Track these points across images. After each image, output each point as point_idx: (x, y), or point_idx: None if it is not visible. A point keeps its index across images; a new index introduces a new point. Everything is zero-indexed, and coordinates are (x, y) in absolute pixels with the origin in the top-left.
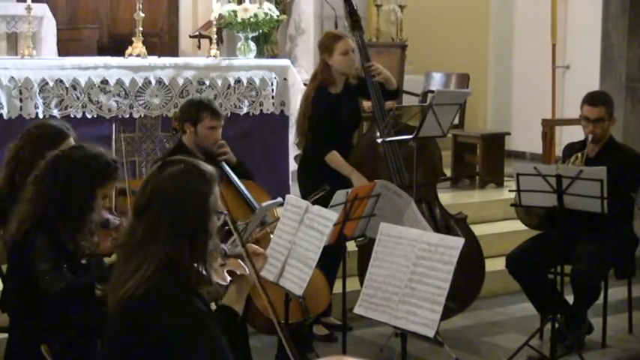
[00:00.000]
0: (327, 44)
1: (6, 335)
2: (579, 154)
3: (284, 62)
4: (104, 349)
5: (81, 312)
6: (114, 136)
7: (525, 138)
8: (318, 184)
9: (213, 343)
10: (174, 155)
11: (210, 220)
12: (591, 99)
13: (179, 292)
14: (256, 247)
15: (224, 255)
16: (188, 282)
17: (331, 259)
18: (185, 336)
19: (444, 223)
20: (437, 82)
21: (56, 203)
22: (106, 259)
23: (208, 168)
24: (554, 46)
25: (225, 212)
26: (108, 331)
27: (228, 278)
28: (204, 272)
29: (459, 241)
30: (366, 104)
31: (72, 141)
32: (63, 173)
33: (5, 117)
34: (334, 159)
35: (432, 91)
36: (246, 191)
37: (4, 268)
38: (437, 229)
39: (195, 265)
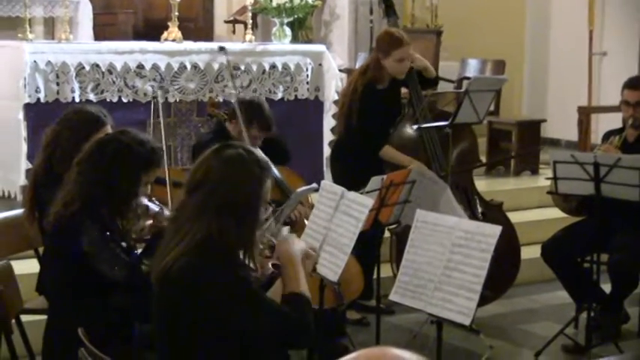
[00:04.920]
0: (385, 47)
1: (44, 317)
2: (618, 136)
3: (319, 48)
4: (153, 324)
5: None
6: (153, 120)
7: (561, 125)
8: (351, 171)
9: (261, 304)
10: (217, 138)
11: (259, 209)
12: (632, 83)
13: (220, 263)
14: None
15: (271, 248)
16: (230, 258)
17: (367, 246)
18: (231, 301)
19: (480, 210)
20: (472, 68)
21: (102, 186)
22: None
23: (263, 157)
24: (591, 32)
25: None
26: (154, 306)
27: (271, 268)
28: (247, 259)
29: (496, 229)
30: (403, 90)
31: (109, 128)
32: (109, 156)
33: (42, 100)
34: (390, 152)
35: (468, 78)
36: (281, 177)
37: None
38: (473, 216)
39: (239, 251)
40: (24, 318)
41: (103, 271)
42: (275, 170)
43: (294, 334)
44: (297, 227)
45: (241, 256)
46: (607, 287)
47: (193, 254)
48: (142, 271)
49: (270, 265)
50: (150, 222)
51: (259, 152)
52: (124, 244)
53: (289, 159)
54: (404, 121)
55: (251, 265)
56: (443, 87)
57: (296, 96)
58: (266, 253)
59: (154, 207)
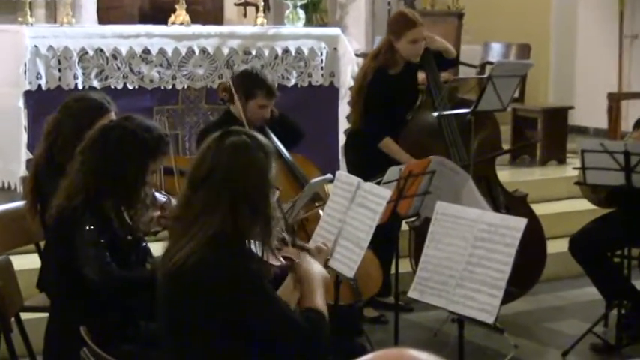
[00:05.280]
0: (397, 29)
1: (45, 315)
2: None
3: (334, 31)
4: (159, 323)
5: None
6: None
7: (589, 112)
8: (367, 161)
9: (273, 303)
10: (222, 124)
11: (271, 194)
12: None
13: (234, 257)
14: (320, 245)
15: (281, 240)
16: (244, 252)
17: (385, 240)
18: (243, 297)
19: (503, 202)
20: (496, 52)
21: (106, 175)
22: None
23: (266, 140)
24: (621, 13)
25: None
26: (160, 306)
27: (282, 261)
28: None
29: (521, 222)
30: (421, 76)
31: (113, 116)
32: (114, 143)
33: (44, 87)
34: (389, 146)
35: (491, 63)
36: (296, 167)
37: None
38: (495, 208)
39: (252, 241)
40: (24, 316)
41: (81, 270)
42: (290, 159)
43: (302, 344)
44: (312, 221)
45: (254, 248)
46: (638, 283)
47: (208, 250)
48: (116, 280)
49: (280, 258)
50: (157, 213)
51: (260, 136)
52: (129, 237)
53: (302, 134)
54: (422, 109)
55: (266, 257)
56: (465, 72)
57: (310, 82)
58: (276, 245)
59: (162, 197)
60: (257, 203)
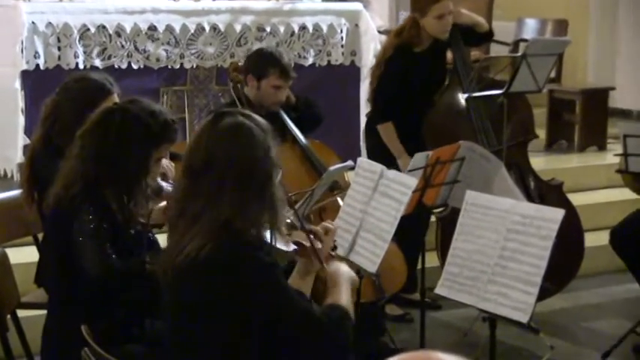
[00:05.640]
0: (421, 3)
1: (43, 312)
2: None
3: (355, 6)
4: (165, 323)
5: (128, 290)
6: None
7: (632, 94)
8: (385, 147)
9: (286, 294)
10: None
11: (275, 174)
12: None
13: (244, 248)
14: (326, 224)
15: (290, 226)
16: (254, 241)
17: (410, 232)
18: (257, 291)
19: (537, 191)
20: (530, 29)
21: (107, 161)
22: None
23: (261, 118)
24: None
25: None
26: (166, 304)
27: (293, 246)
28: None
29: (558, 213)
30: (449, 55)
31: (116, 98)
32: (116, 127)
33: (42, 67)
34: (387, 132)
35: (525, 40)
36: (314, 153)
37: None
38: (529, 197)
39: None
40: (21, 313)
41: (80, 264)
42: (307, 145)
43: (321, 339)
44: (330, 211)
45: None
46: None
47: (220, 241)
48: (118, 274)
49: (291, 244)
50: (163, 204)
51: (255, 115)
52: (132, 231)
53: (321, 119)
54: (449, 90)
55: (276, 245)
56: (496, 51)
57: (329, 61)
58: (284, 231)
59: (168, 187)
60: (263, 187)
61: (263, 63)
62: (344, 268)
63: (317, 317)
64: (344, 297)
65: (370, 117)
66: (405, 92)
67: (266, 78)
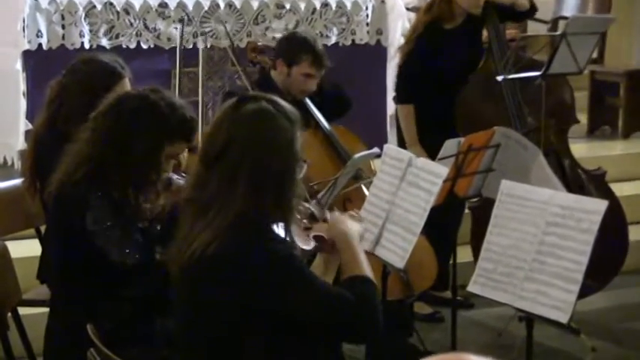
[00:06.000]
0: None
1: (46, 310)
2: None
3: None
4: (176, 319)
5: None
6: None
7: None
8: (419, 132)
9: (312, 284)
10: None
11: (297, 168)
12: None
13: (259, 241)
14: (352, 213)
15: (310, 217)
16: (270, 234)
17: (440, 225)
18: (281, 282)
19: (578, 180)
20: (570, 6)
21: (114, 146)
22: None
23: (289, 106)
24: None
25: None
26: (177, 300)
27: (314, 242)
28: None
29: (600, 204)
30: (484, 34)
31: (127, 82)
32: (129, 111)
33: (45, 47)
34: (405, 114)
35: (565, 18)
36: (338, 140)
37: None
38: (568, 187)
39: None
40: (22, 311)
41: (111, 256)
42: (331, 131)
43: (353, 321)
44: (355, 201)
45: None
46: None
47: (230, 235)
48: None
49: (311, 238)
50: (172, 199)
51: (282, 101)
52: (140, 224)
53: (350, 103)
54: (482, 71)
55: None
56: (534, 29)
57: (353, 40)
58: (305, 224)
59: (179, 180)
60: (282, 181)
61: (296, 48)
62: (353, 226)
63: (344, 300)
64: (363, 264)
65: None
66: (434, 73)
67: (297, 65)
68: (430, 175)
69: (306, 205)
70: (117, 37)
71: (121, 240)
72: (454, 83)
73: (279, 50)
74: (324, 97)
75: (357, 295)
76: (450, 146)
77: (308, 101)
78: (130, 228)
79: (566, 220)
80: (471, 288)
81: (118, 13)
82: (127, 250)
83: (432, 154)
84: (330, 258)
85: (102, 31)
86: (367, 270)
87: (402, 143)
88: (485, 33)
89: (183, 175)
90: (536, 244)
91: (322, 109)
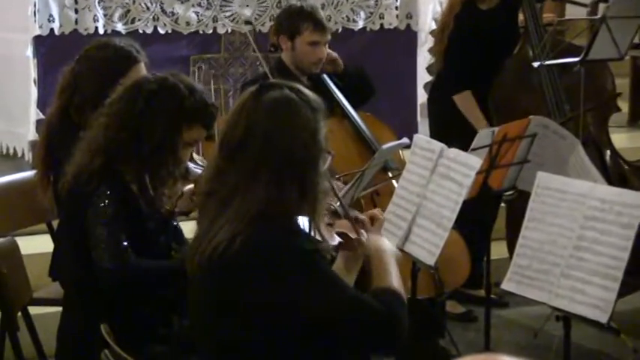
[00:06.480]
0: None
1: (58, 309)
2: None
3: None
4: (192, 320)
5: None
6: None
7: None
8: (451, 121)
9: (338, 286)
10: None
11: (321, 159)
12: None
13: (280, 236)
14: (374, 211)
15: (333, 213)
16: (295, 230)
17: (474, 219)
18: (305, 281)
19: (619, 172)
20: None
21: (131, 130)
22: None
23: (312, 94)
24: None
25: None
26: (194, 300)
27: (337, 239)
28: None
29: None
30: (521, 17)
31: (143, 67)
32: (147, 92)
33: (57, 32)
34: (466, 101)
35: (605, 1)
36: (365, 128)
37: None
38: (608, 180)
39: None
40: (33, 310)
41: (92, 254)
42: (357, 118)
43: (379, 330)
44: (384, 194)
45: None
46: None
47: (254, 230)
48: (134, 267)
49: (334, 235)
50: (190, 187)
51: (305, 89)
52: (156, 216)
53: (372, 90)
54: (518, 56)
55: (316, 235)
56: (572, 12)
57: (382, 25)
58: (327, 220)
59: (196, 169)
60: (305, 172)
61: (294, 19)
62: (385, 242)
63: (369, 305)
64: (394, 278)
65: (434, 86)
66: (474, 56)
67: (300, 35)
68: (463, 167)
69: (331, 201)
70: (132, 21)
71: (103, 242)
72: (490, 69)
73: (278, 27)
74: (346, 79)
75: (385, 304)
76: (484, 136)
77: (327, 80)
78: (120, 232)
79: (605, 215)
80: (506, 286)
81: None
82: (105, 254)
83: (465, 145)
84: (351, 258)
85: (117, 15)
86: (399, 285)
87: (434, 135)
88: (521, 17)
89: (200, 164)
90: (574, 239)
91: (344, 91)
